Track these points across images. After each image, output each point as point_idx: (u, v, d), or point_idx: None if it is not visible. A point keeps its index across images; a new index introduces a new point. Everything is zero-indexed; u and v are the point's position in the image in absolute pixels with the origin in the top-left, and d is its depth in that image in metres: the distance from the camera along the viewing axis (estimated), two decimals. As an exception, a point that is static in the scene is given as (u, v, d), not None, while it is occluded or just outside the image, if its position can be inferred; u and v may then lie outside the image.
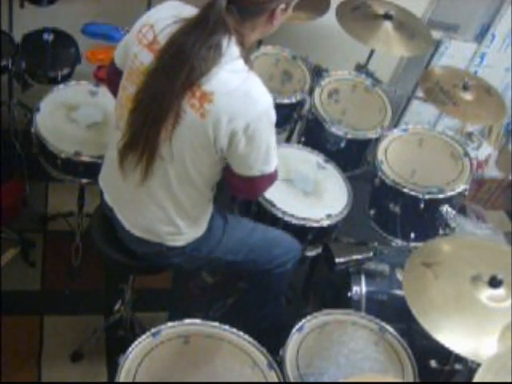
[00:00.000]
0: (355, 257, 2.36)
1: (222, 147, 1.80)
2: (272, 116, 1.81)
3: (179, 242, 2.06)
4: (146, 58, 1.80)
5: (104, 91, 2.61)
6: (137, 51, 1.83)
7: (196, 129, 1.77)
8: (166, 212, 1.97)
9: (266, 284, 2.35)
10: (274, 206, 2.40)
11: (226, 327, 1.97)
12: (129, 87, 1.86)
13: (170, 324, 1.94)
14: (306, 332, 2.05)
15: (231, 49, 1.74)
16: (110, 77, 2.08)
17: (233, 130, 1.75)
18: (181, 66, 1.71)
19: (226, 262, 2.21)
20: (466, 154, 2.79)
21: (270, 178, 1.95)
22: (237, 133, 1.76)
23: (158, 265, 2.18)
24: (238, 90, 1.74)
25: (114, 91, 2.02)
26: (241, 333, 1.97)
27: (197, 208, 2.02)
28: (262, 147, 1.82)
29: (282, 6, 1.77)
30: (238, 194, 2.27)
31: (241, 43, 1.77)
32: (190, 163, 1.84)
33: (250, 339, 1.96)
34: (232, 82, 1.74)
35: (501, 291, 1.86)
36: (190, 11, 1.79)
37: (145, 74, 1.79)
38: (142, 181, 1.88)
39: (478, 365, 1.56)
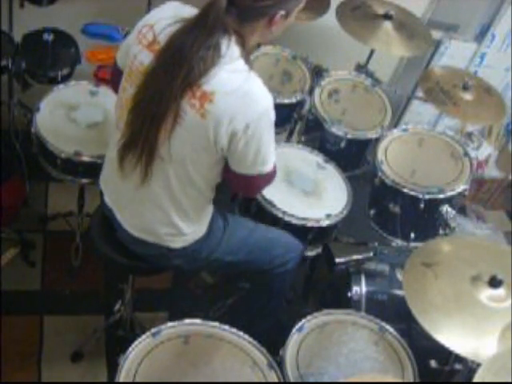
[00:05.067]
0: (355, 257, 2.36)
1: (222, 147, 1.80)
2: (272, 116, 1.81)
3: (179, 243, 2.05)
4: (146, 59, 1.80)
5: (104, 91, 2.61)
6: (136, 52, 1.83)
7: (196, 129, 1.77)
8: (166, 213, 1.96)
9: (267, 284, 2.35)
10: (274, 206, 2.40)
11: (226, 327, 1.97)
12: (128, 88, 1.85)
13: (169, 324, 1.94)
14: (305, 332, 2.05)
15: (231, 49, 1.74)
16: (114, 77, 2.07)
17: (233, 130, 1.75)
18: (179, 65, 1.71)
19: (226, 263, 2.21)
20: (466, 154, 2.79)
21: (267, 177, 1.95)
22: (237, 133, 1.76)
23: (158, 266, 2.18)
24: (239, 90, 1.73)
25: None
26: (241, 333, 1.97)
27: (197, 209, 2.01)
28: (260, 147, 1.82)
29: (282, 12, 1.76)
30: (236, 190, 2.27)
31: (241, 44, 1.76)
32: (190, 163, 1.84)
33: (250, 339, 1.96)
34: (233, 82, 1.74)
35: (501, 291, 1.86)
36: (191, 11, 1.79)
37: (144, 75, 1.78)
38: (141, 181, 1.87)
39: (478, 365, 1.56)
